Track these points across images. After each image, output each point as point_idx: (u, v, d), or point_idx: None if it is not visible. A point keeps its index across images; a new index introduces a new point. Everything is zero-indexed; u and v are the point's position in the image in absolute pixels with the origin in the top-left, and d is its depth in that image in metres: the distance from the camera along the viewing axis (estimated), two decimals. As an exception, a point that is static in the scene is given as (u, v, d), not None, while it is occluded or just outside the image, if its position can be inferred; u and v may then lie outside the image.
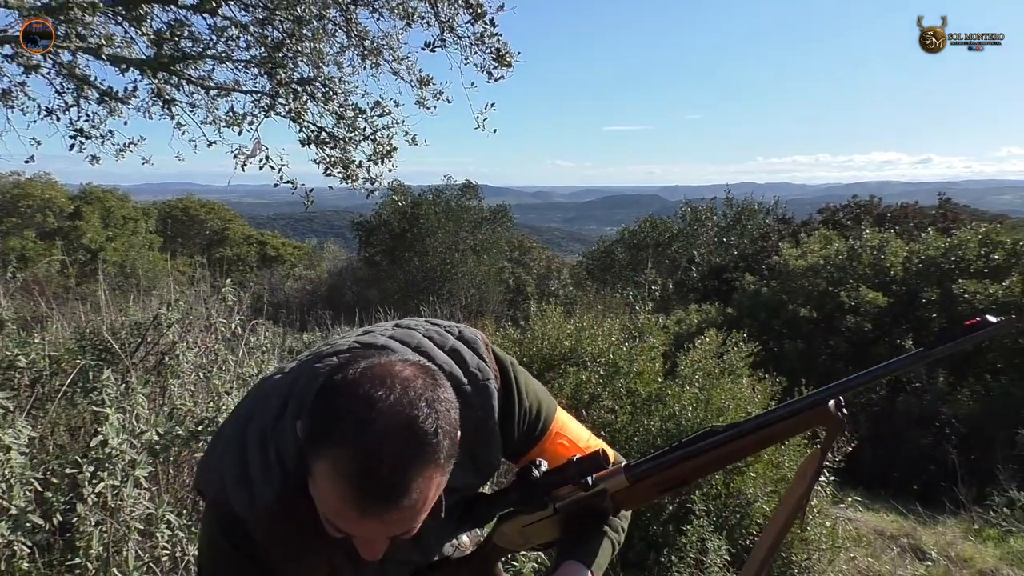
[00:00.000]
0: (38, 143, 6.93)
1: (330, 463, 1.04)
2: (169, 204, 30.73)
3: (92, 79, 5.97)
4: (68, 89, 6.03)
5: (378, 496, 1.03)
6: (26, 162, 7.18)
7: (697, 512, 4.82)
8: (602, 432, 6.58)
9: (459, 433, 1.15)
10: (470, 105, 6.44)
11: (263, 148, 6.35)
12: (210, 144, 6.61)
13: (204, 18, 6.35)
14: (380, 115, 6.49)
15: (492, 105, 6.47)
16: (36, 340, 5.72)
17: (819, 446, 1.30)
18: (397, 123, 6.55)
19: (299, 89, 6.27)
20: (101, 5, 5.27)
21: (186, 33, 5.84)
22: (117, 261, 21.06)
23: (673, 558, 4.99)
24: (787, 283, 13.46)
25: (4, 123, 7.10)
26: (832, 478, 6.20)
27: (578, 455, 1.37)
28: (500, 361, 1.42)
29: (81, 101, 6.05)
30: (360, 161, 6.59)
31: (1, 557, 3.48)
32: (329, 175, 6.71)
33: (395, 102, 7.30)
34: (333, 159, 6.59)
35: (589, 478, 1.36)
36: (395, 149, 6.54)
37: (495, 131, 6.60)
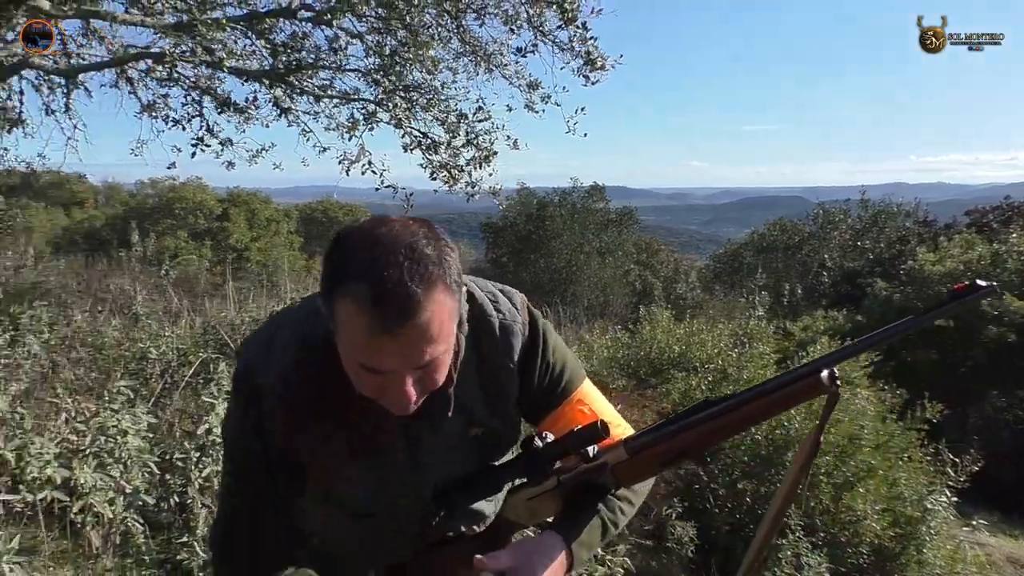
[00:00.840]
0: (179, 150, 7.45)
1: (346, 299, 1.12)
2: (309, 207, 32.12)
3: (216, 90, 6.36)
4: (193, 100, 6.47)
5: (392, 313, 1.10)
6: (168, 168, 7.72)
7: (792, 527, 4.66)
8: (707, 440, 6.44)
9: (463, 287, 1.24)
10: (560, 109, 6.49)
11: (367, 153, 6.59)
12: (324, 150, 6.90)
13: (322, 30, 6.64)
14: (481, 120, 6.60)
15: (582, 110, 6.46)
16: (166, 334, 6.16)
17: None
18: (497, 128, 6.65)
19: (404, 95, 6.45)
20: (225, 23, 5.60)
21: (306, 45, 6.11)
22: (260, 260, 22.17)
23: (776, 571, 4.85)
24: (922, 289, 12.73)
25: (148, 131, 7.65)
26: (954, 499, 5.85)
27: (578, 426, 1.35)
28: (532, 315, 1.47)
29: (204, 111, 6.47)
30: (462, 165, 6.72)
31: (117, 531, 3.77)
32: (435, 179, 6.89)
33: (508, 107, 7.43)
34: (439, 163, 6.76)
35: (591, 449, 1.35)
36: (495, 153, 6.64)
37: (586, 135, 6.63)
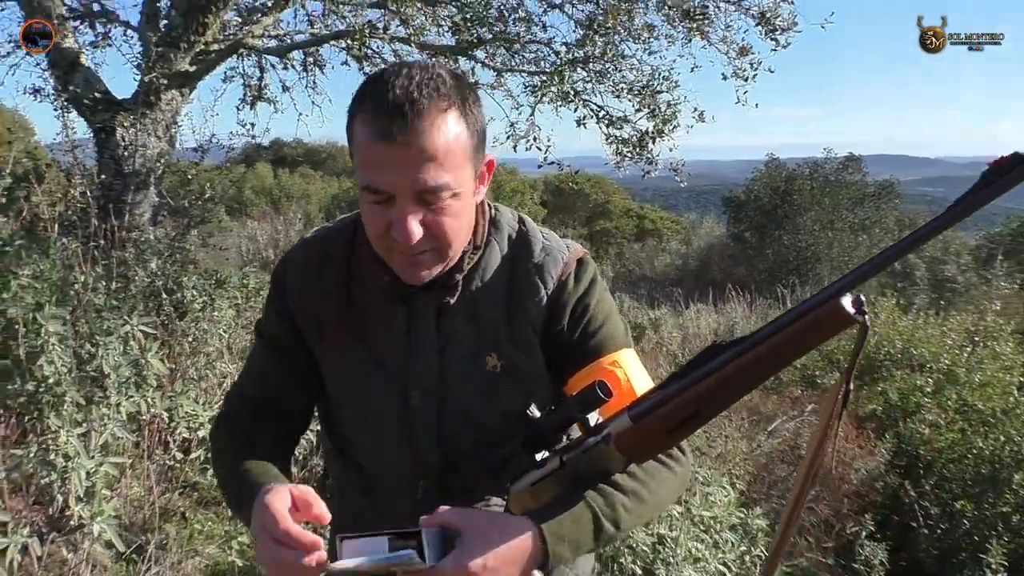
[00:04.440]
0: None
1: (358, 116, 1.14)
2: (558, 177, 32.57)
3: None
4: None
5: (399, 115, 1.08)
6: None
7: (993, 567, 3.93)
8: (920, 450, 5.70)
9: (484, 131, 1.22)
10: (733, 76, 5.87)
11: (536, 128, 6.41)
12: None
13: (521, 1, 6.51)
14: (660, 91, 6.14)
15: (754, 77, 5.84)
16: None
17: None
18: (682, 99, 6.18)
19: (583, 67, 6.17)
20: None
21: (489, 16, 6.00)
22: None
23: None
24: None
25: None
26: None
27: (577, 391, 1.16)
28: (585, 259, 1.37)
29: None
30: (643, 137, 6.31)
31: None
32: (620, 155, 6.55)
33: (723, 76, 6.94)
34: (622, 138, 6.42)
35: (591, 417, 1.14)
36: (677, 126, 6.16)
37: (756, 105, 5.98)
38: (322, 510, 1.07)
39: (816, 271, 18.43)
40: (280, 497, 1.05)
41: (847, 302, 0.90)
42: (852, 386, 0.92)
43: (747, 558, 3.60)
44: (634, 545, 2.80)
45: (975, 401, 5.74)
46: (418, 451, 1.36)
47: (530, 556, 1.10)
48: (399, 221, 1.15)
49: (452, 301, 1.31)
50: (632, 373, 1.29)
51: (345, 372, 1.38)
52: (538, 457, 1.19)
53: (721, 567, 3.11)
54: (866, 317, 0.90)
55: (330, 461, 1.53)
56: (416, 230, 1.15)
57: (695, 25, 6.64)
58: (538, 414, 1.18)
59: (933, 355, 6.16)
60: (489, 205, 1.38)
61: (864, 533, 4.77)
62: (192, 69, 6.15)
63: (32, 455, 2.73)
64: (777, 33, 5.68)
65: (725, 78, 6.98)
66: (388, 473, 1.40)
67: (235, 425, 1.42)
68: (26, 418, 3.57)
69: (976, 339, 6.32)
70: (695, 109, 6.34)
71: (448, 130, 1.11)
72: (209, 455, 3.51)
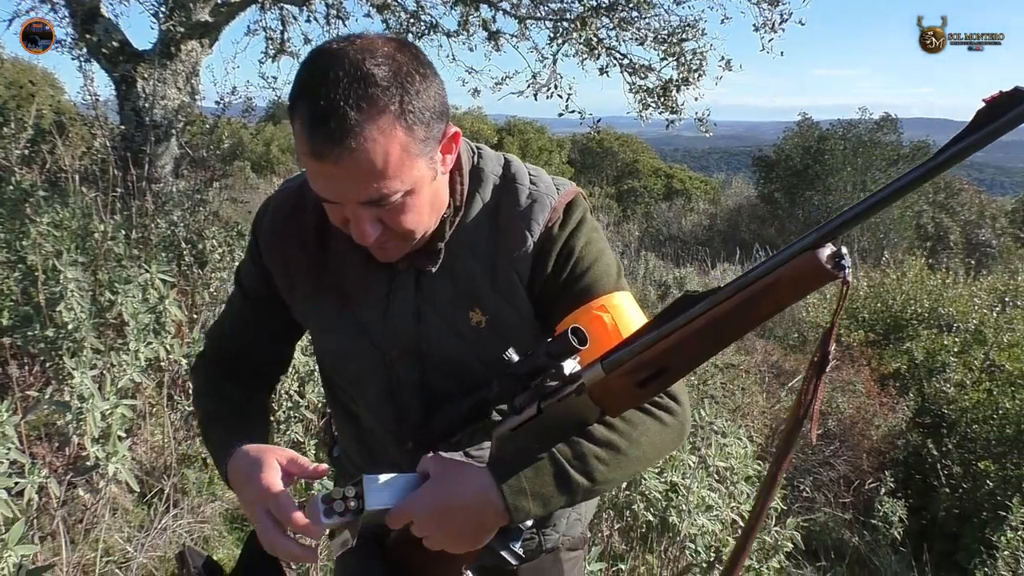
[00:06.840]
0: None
1: (294, 120, 1.04)
2: (586, 136, 32.18)
3: (421, 16, 6.37)
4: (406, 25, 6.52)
5: (325, 134, 0.99)
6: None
7: (1014, 524, 3.89)
8: (944, 409, 5.64)
9: (437, 111, 1.08)
10: (763, 27, 5.69)
11: (558, 77, 6.29)
12: (504, 79, 6.69)
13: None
14: (685, 39, 5.97)
15: (782, 24, 5.66)
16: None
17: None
18: (709, 48, 5.99)
19: (606, 16, 6.00)
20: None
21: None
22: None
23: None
24: None
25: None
26: None
27: (549, 338, 1.09)
28: (576, 200, 1.27)
29: (409, 36, 6.50)
30: (667, 85, 6.15)
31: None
32: (646, 107, 6.41)
33: (754, 26, 6.76)
34: (647, 87, 6.28)
35: (567, 365, 1.08)
36: (701, 74, 5.99)
37: (782, 54, 5.82)
38: (315, 467, 1.11)
39: (847, 232, 18.18)
40: (275, 475, 1.09)
41: (824, 255, 0.81)
42: (832, 349, 0.82)
43: (763, 510, 3.58)
44: (646, 492, 2.78)
45: (1002, 361, 5.65)
46: (402, 407, 1.33)
47: (488, 507, 1.08)
48: (352, 223, 1.10)
49: (434, 269, 1.25)
50: (622, 318, 1.19)
51: (324, 329, 1.34)
52: (517, 402, 1.14)
53: (736, 516, 3.09)
54: (846, 272, 0.81)
55: (329, 403, 1.50)
56: (371, 231, 1.10)
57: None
58: (516, 358, 1.12)
59: (961, 315, 6.05)
60: (473, 149, 1.30)
61: (883, 490, 4.73)
62: (211, 19, 6.10)
63: (47, 396, 2.75)
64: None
65: (756, 29, 6.80)
66: (377, 426, 1.37)
67: (211, 372, 1.42)
68: (47, 364, 3.63)
69: (1006, 300, 6.19)
70: (722, 58, 6.19)
71: (383, 140, 1.01)
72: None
